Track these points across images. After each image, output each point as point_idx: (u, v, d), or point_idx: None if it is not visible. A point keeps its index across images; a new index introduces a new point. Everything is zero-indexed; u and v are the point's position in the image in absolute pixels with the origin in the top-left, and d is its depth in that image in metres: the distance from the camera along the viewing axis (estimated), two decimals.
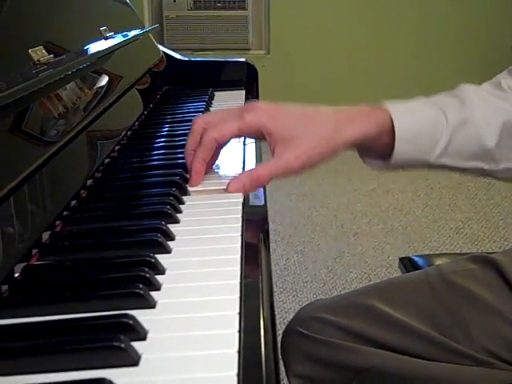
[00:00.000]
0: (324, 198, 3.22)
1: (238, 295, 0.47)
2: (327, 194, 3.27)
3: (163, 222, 0.58)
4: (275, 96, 3.75)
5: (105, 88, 0.96)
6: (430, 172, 3.50)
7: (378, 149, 0.79)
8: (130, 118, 1.03)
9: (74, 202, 0.67)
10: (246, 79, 1.45)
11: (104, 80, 0.99)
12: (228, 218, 0.63)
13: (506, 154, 0.79)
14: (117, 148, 0.89)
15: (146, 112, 1.13)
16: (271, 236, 2.73)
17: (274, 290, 2.26)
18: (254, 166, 0.85)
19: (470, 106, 0.78)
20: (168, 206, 0.62)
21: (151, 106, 1.19)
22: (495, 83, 0.83)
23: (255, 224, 0.65)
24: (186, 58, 1.45)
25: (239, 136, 0.75)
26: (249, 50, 4.92)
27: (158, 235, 0.55)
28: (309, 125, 0.73)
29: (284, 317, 2.04)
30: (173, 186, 0.69)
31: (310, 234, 2.78)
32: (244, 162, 0.84)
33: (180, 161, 0.79)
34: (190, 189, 0.72)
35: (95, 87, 0.93)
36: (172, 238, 0.58)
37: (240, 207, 0.65)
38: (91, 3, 1.10)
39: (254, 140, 0.94)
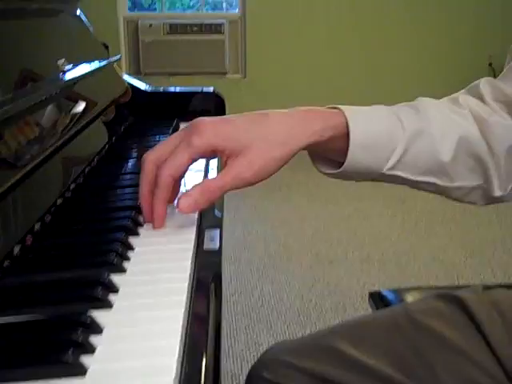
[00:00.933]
0: (300, 225, 3.20)
1: (176, 357, 0.44)
2: (303, 221, 3.25)
3: (106, 274, 0.55)
4: None
5: (63, 123, 0.93)
6: (406, 196, 3.54)
7: (331, 153, 0.76)
8: (89, 155, 0.99)
9: (17, 250, 0.63)
10: (214, 109, 1.43)
11: (63, 115, 0.96)
12: (177, 266, 0.60)
13: (461, 171, 0.77)
14: (72, 187, 0.86)
15: (107, 146, 1.10)
16: (245, 266, 2.71)
17: (248, 322, 2.22)
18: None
19: (427, 118, 0.76)
20: (114, 255, 0.59)
21: (113, 139, 1.15)
22: (453, 98, 0.82)
23: (207, 272, 0.61)
24: (152, 89, 1.42)
25: (195, 161, 0.71)
26: (225, 73, 4.92)
27: (99, 289, 0.52)
28: (259, 132, 0.69)
29: (258, 350, 2.00)
30: (122, 231, 0.66)
31: (285, 263, 2.76)
32: None
33: (131, 201, 0.76)
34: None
35: (53, 123, 0.90)
36: (115, 291, 0.54)
37: (190, 253, 0.62)
38: (48, 33, 1.07)
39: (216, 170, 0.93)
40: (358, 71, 4.87)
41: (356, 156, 0.72)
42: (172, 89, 1.49)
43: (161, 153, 0.71)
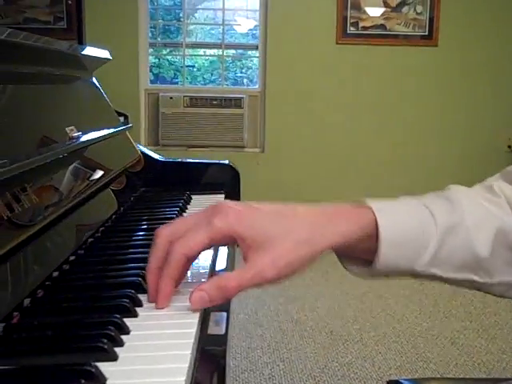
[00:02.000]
0: (313, 302, 3.11)
1: None
2: (317, 298, 3.16)
3: (92, 363, 0.49)
4: (269, 193, 3.75)
5: (68, 191, 0.89)
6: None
7: (358, 253, 0.70)
8: (93, 225, 0.95)
9: (1, 327, 0.58)
10: (229, 183, 1.39)
11: (68, 182, 0.92)
12: (175, 355, 0.53)
13: (500, 265, 0.70)
14: (71, 259, 0.80)
15: (114, 217, 1.05)
16: (257, 342, 2.62)
17: None
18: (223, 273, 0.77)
19: (460, 210, 0.70)
20: (105, 340, 0.53)
21: (121, 209, 1.11)
22: (487, 186, 0.76)
23: (210, 360, 0.55)
24: (165, 159, 1.39)
25: (210, 246, 0.66)
26: (244, 147, 4.93)
27: (81, 382, 0.45)
28: (285, 226, 0.64)
29: None
30: (119, 312, 0.60)
31: (297, 341, 2.66)
32: (214, 266, 0.76)
33: (133, 278, 0.70)
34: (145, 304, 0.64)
35: (56, 190, 0.86)
36: (102, 383, 0.48)
37: (191, 341, 0.56)
38: (61, 99, 1.04)
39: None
40: (377, 149, 4.86)
41: (386, 257, 0.67)
42: (186, 160, 1.45)
43: (176, 229, 0.66)
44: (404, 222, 0.68)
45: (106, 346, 0.52)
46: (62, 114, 1.02)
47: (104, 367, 0.50)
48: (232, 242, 0.65)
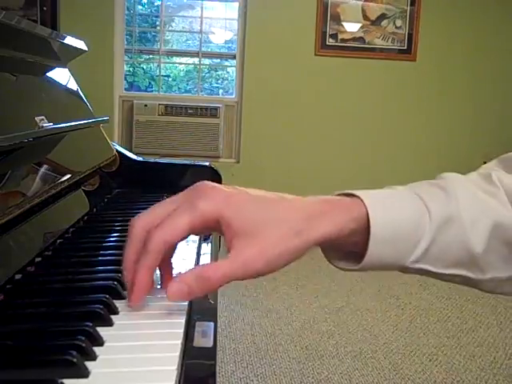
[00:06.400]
0: (289, 316, 3.03)
1: None
2: (292, 311, 3.08)
3: (58, 380, 0.40)
4: None
5: (34, 187, 0.80)
6: (400, 292, 3.40)
7: (347, 246, 0.64)
8: (63, 225, 0.86)
9: None
10: None
11: (35, 178, 0.83)
12: (157, 372, 0.45)
13: (494, 261, 0.64)
14: (37, 260, 0.72)
15: (86, 218, 0.96)
16: (231, 356, 2.52)
17: None
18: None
19: (456, 201, 0.63)
20: (73, 353, 0.44)
21: (94, 211, 1.02)
22: (485, 175, 0.69)
23: (197, 379, 0.47)
24: (143, 159, 1.30)
25: (193, 233, 0.58)
26: (219, 157, 4.85)
27: None
28: (277, 214, 0.57)
29: None
30: (90, 319, 0.52)
31: (272, 355, 2.57)
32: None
33: (107, 282, 0.62)
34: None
35: (21, 186, 0.77)
36: None
37: (176, 354, 0.48)
38: (32, 88, 0.96)
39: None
40: (354, 161, 4.84)
41: (377, 251, 0.61)
42: (164, 161, 1.37)
43: (154, 216, 0.58)
44: (396, 216, 0.61)
45: (75, 360, 0.43)
46: (32, 103, 0.93)
47: None
48: (214, 228, 0.58)
